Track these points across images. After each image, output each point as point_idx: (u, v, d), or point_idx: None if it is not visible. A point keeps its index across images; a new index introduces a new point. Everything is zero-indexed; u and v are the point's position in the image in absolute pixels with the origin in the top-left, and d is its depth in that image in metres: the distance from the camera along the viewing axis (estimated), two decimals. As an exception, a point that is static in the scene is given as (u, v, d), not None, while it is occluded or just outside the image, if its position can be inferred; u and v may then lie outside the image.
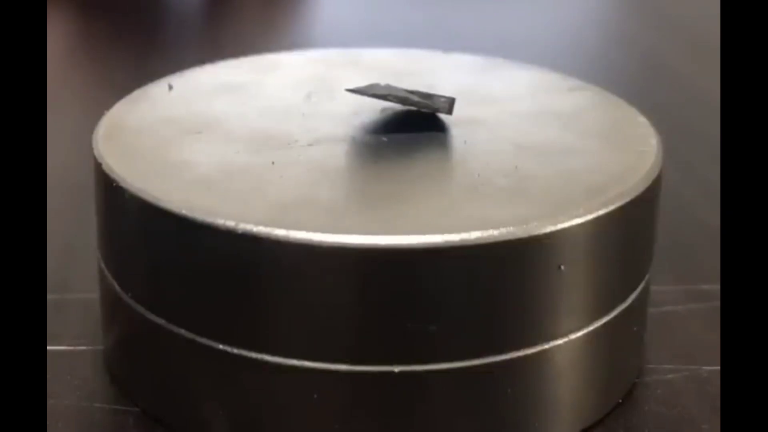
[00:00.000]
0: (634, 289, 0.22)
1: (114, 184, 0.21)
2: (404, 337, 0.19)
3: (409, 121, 0.24)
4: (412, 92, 0.24)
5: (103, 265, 0.22)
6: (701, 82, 0.42)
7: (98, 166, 0.21)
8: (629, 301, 0.22)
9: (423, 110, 0.24)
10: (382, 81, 0.24)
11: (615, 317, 0.21)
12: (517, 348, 0.20)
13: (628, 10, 0.56)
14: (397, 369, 0.19)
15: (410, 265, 0.19)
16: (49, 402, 0.22)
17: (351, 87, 0.24)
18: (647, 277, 0.22)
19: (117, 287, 0.22)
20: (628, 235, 0.21)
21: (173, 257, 0.20)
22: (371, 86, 0.24)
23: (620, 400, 0.22)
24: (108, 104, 0.24)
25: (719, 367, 0.23)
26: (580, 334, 0.20)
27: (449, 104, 0.23)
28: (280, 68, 0.27)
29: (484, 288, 0.19)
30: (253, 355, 0.20)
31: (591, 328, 0.21)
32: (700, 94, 0.41)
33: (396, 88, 0.24)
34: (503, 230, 0.19)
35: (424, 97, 0.24)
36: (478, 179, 0.21)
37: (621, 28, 0.53)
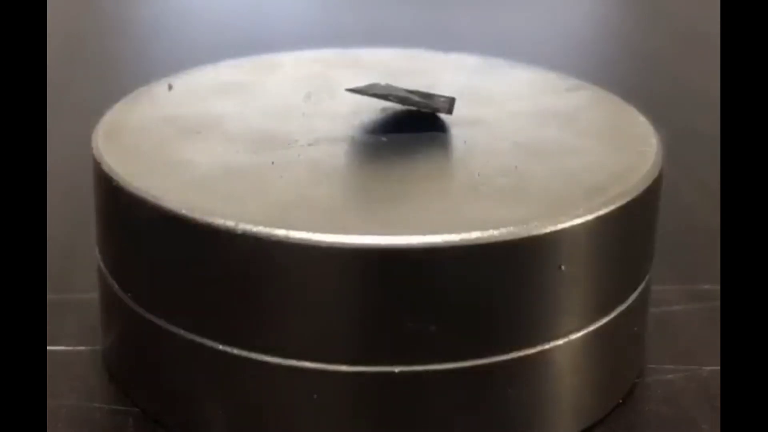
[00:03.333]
0: (635, 289, 0.22)
1: (114, 184, 0.21)
2: (404, 337, 0.19)
3: (409, 121, 0.24)
4: (412, 92, 0.24)
5: (102, 265, 0.22)
6: (701, 82, 0.42)
7: (98, 166, 0.21)
8: (630, 301, 0.22)
9: (423, 110, 0.24)
10: (382, 81, 0.24)
11: (615, 317, 0.21)
12: (518, 348, 0.20)
13: (628, 9, 0.56)
14: (397, 369, 0.19)
15: (410, 265, 0.19)
16: (49, 402, 0.22)
17: (351, 87, 0.23)
18: (648, 277, 0.22)
19: (116, 287, 0.22)
20: (628, 235, 0.21)
21: (173, 257, 0.20)
22: (371, 86, 0.24)
23: (621, 400, 0.22)
24: (108, 104, 0.24)
25: (719, 367, 0.23)
26: (580, 334, 0.20)
27: (449, 104, 0.23)
28: (280, 68, 0.27)
29: (484, 288, 0.19)
30: (253, 355, 0.19)
31: (591, 328, 0.21)
32: (700, 93, 0.41)
33: (396, 88, 0.24)
34: (503, 230, 0.19)
35: (424, 96, 0.24)
36: (478, 179, 0.21)
37: (621, 27, 0.53)
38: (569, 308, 0.20)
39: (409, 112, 0.24)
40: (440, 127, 0.23)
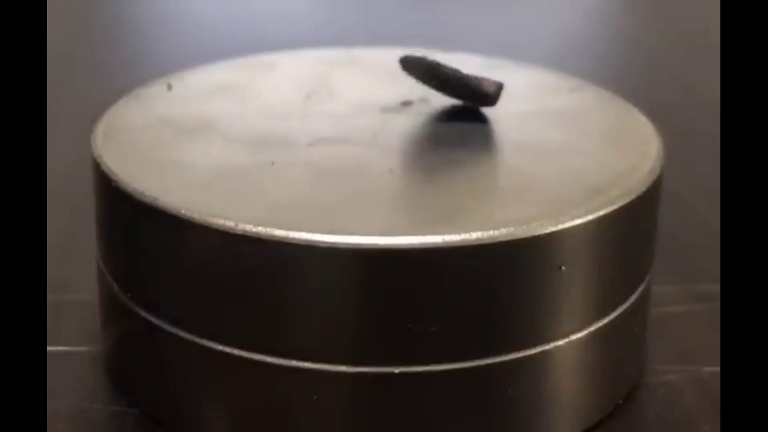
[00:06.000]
0: (635, 289, 0.22)
1: (113, 184, 0.21)
2: (405, 338, 0.19)
3: (410, 121, 0.23)
4: (458, 74, 0.23)
5: (102, 266, 0.22)
6: (701, 82, 0.42)
7: (97, 166, 0.21)
8: (630, 301, 0.22)
9: (466, 102, 0.23)
10: (387, 78, 0.24)
11: (616, 318, 0.21)
12: (518, 349, 0.20)
13: (628, 10, 0.56)
14: (397, 370, 0.19)
15: (410, 265, 0.19)
16: (49, 402, 0.22)
17: (405, 55, 0.23)
18: (648, 277, 0.22)
19: (116, 288, 0.22)
20: (629, 236, 0.21)
21: (172, 258, 0.20)
22: (419, 60, 0.23)
23: (621, 401, 0.22)
24: (108, 104, 0.24)
25: (719, 368, 0.23)
26: (581, 335, 0.20)
27: (497, 89, 0.23)
28: (280, 68, 0.27)
29: (485, 288, 0.19)
30: (253, 355, 0.19)
31: (592, 328, 0.21)
32: (700, 93, 0.41)
33: (444, 66, 0.23)
34: (504, 230, 0.19)
35: (473, 79, 0.23)
36: (479, 179, 0.21)
37: (622, 28, 0.53)
38: (570, 309, 0.20)
39: (409, 112, 0.24)
40: (440, 127, 0.23)
